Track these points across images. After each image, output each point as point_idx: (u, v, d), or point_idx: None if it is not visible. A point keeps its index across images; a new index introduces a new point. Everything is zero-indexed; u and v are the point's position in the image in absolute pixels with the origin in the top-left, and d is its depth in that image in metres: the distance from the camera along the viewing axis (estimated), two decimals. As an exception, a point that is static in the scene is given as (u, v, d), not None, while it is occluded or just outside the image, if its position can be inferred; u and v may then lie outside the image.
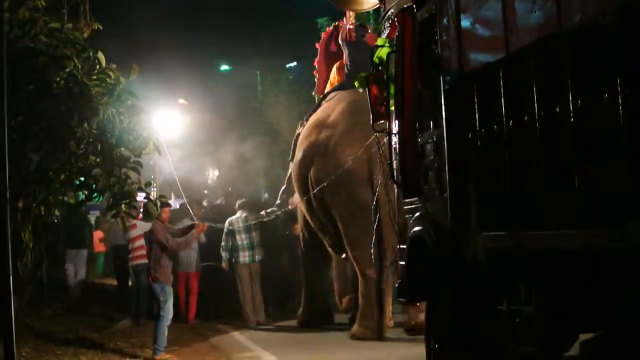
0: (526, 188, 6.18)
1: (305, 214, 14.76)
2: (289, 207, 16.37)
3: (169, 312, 12.30)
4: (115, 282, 20.24)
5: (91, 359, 12.02)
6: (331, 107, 14.61)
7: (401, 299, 9.08)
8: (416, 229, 7.98)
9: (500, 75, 6.54)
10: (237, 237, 15.96)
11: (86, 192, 10.78)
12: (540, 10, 6.14)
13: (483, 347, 7.16)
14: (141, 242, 15.62)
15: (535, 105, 6.01)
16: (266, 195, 26.51)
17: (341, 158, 13.33)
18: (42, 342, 12.79)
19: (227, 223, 16.18)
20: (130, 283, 17.01)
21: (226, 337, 14.42)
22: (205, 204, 20.19)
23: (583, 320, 5.89)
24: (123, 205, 10.43)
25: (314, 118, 14.94)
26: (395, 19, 8.41)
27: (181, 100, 43.59)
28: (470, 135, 6.96)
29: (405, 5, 8.17)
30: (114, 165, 10.10)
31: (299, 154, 14.74)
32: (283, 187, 17.34)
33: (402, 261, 8.57)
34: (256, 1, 39.34)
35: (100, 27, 11.40)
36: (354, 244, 13.32)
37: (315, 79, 17.13)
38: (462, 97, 7.07)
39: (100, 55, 10.21)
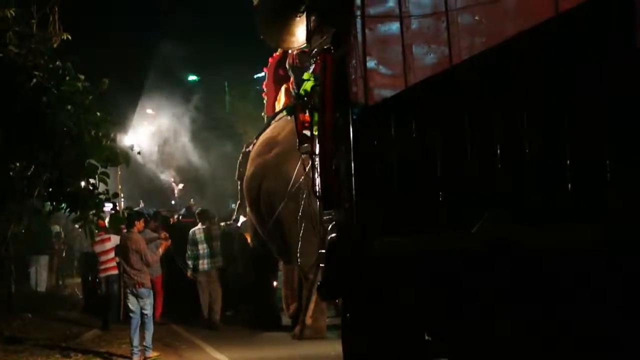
0: (408, 201, 7.27)
1: (256, 225, 15.71)
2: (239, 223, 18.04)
3: (152, 311, 13.15)
4: (81, 290, 20.53)
5: (58, 371, 12.05)
6: (281, 126, 15.51)
7: (321, 297, 10.27)
8: (332, 236, 9.14)
9: (389, 108, 7.76)
10: (199, 246, 16.70)
11: (54, 203, 10.79)
12: (434, 53, 7.74)
13: (383, 334, 8.04)
14: (112, 254, 16.33)
15: (414, 134, 7.09)
16: (233, 205, 26.61)
17: (290, 172, 14.11)
18: (10, 352, 12.79)
19: (190, 233, 16.89)
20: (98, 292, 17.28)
21: (194, 347, 14.43)
22: (171, 221, 20.59)
23: (452, 310, 6.65)
24: (90, 215, 10.46)
25: (264, 137, 15.98)
26: (318, 58, 9.43)
27: (149, 111, 43.55)
28: (370, 159, 8.07)
29: (325, 47, 9.15)
30: (82, 175, 10.14)
31: (250, 170, 15.71)
32: (238, 203, 18.62)
33: (322, 264, 9.67)
34: (224, 12, 39.36)
35: (69, 37, 11.43)
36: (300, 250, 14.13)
37: (265, 101, 18.17)
38: (365, 126, 8.21)
39: (69, 65, 10.24)
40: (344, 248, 8.67)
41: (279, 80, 17.41)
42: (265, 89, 18.06)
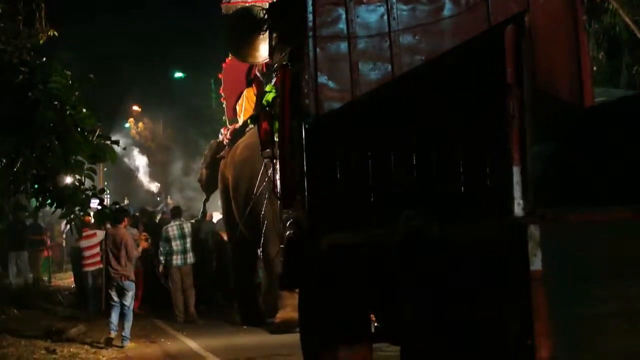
0: (348, 201, 8.18)
1: (241, 225, 16.02)
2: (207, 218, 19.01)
3: (132, 304, 14.25)
4: (72, 284, 21.26)
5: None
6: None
7: (280, 287, 11.40)
8: (289, 232, 9.96)
9: (334, 119, 8.84)
10: (173, 242, 17.26)
11: (40, 199, 10.82)
12: (378, 70, 9.11)
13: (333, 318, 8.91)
14: (98, 249, 17.04)
15: (353, 142, 8.05)
16: (219, 203, 26.71)
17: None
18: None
19: (163, 230, 17.60)
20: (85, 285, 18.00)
21: (176, 341, 14.53)
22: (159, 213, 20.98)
23: (382, 292, 7.69)
24: (76, 211, 10.51)
25: (245, 142, 16.21)
26: (278, 72, 10.31)
27: (135, 107, 43.56)
28: (320, 163, 8.97)
29: (284, 63, 10.05)
30: (68, 172, 10.18)
31: (236, 173, 16.06)
32: (204, 199, 19.67)
33: (282, 257, 10.59)
34: (211, 8, 39.38)
35: (56, 33, 11.48)
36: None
37: (224, 105, 18.95)
38: (315, 134, 9.13)
39: (56, 62, 10.27)
40: (299, 243, 9.52)
41: (238, 84, 17.85)
42: (223, 94, 18.72)
